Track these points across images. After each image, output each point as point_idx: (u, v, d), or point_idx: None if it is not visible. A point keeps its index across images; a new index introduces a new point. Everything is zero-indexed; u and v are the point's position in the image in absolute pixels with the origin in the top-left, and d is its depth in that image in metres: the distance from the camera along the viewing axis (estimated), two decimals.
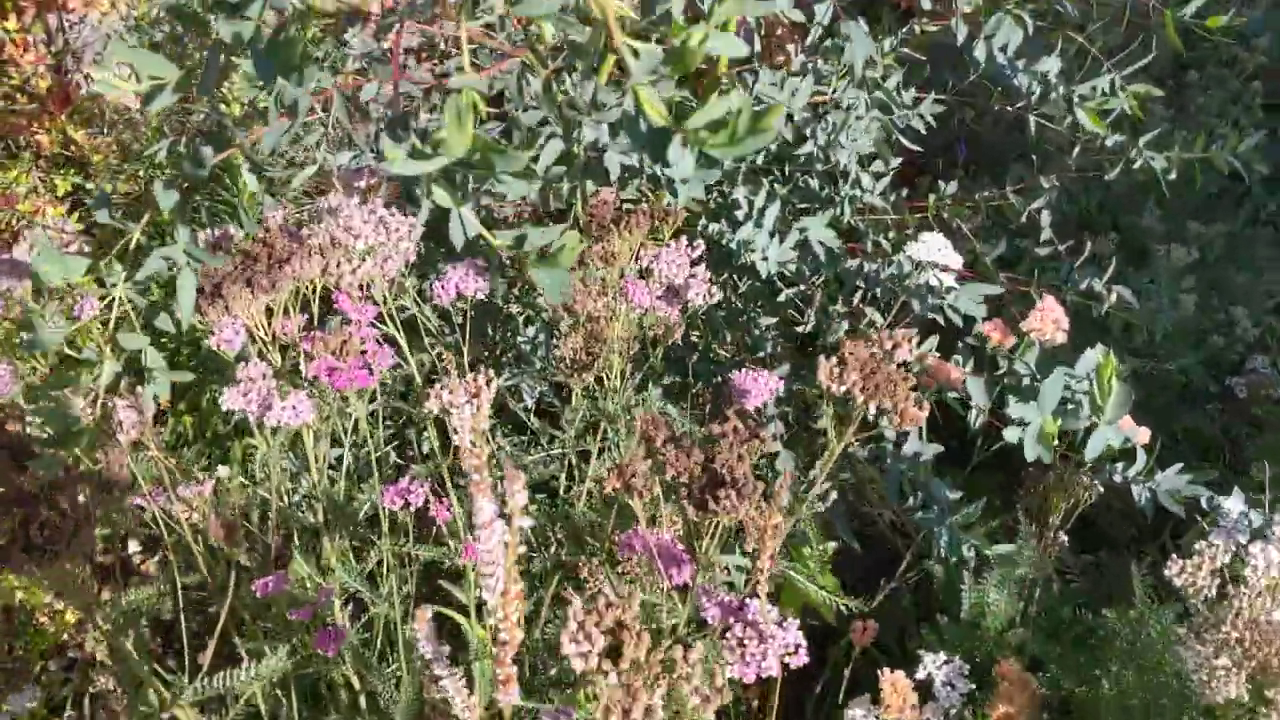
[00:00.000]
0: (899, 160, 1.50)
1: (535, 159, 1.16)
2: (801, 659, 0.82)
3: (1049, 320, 1.16)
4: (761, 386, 1.07)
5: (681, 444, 0.91)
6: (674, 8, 0.46)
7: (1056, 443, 1.13)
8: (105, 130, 1.45)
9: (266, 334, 0.92)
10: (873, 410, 0.89)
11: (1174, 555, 0.98)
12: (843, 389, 0.88)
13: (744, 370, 1.08)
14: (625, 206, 1.25)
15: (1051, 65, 1.35)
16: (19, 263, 1.08)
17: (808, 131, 1.33)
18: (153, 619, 1.51)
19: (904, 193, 1.63)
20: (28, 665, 1.52)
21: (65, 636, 1.53)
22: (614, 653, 0.71)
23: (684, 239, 1.20)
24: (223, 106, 1.34)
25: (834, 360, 0.89)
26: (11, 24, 1.46)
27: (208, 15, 0.59)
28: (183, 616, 1.04)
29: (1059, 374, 1.10)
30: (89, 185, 1.42)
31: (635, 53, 0.47)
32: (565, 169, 1.24)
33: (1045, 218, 1.60)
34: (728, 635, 0.84)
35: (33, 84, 1.46)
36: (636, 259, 1.19)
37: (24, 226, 1.31)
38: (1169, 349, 1.79)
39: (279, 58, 0.57)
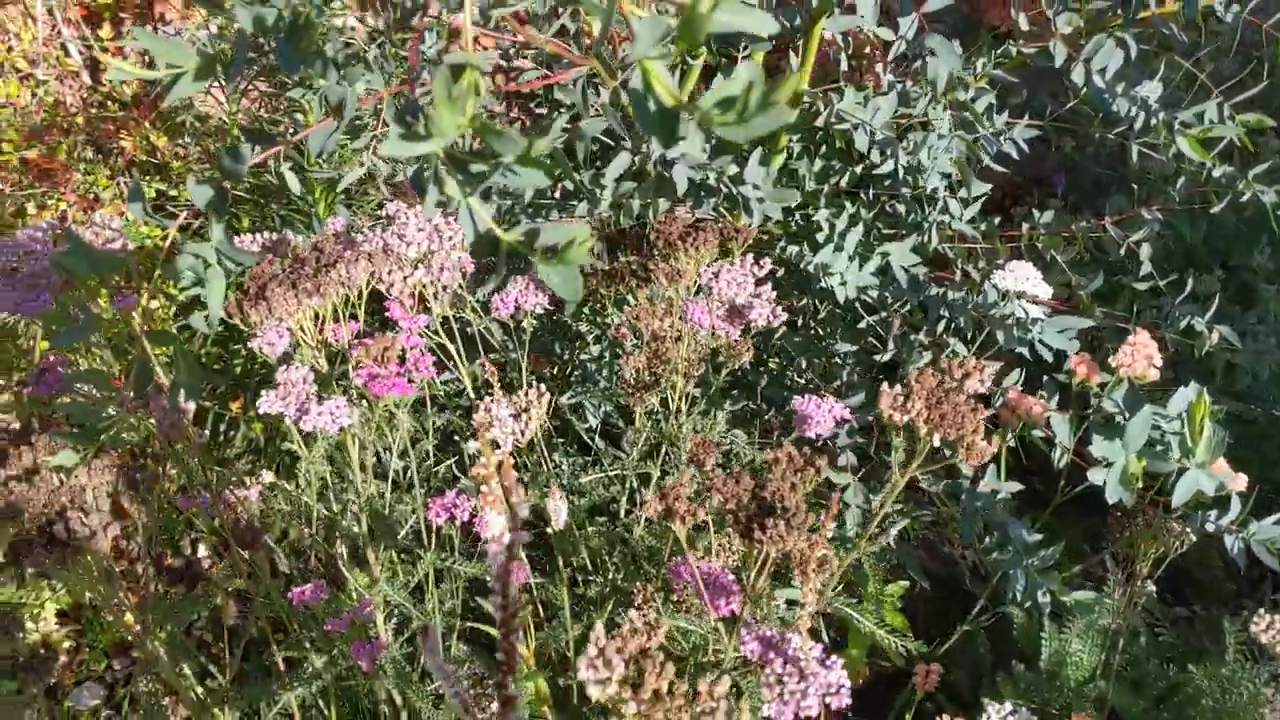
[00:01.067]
0: (987, 186, 1.43)
1: (600, 172, 1.14)
2: (844, 700, 0.76)
3: (1140, 355, 1.09)
4: (824, 413, 1.02)
5: (731, 468, 0.87)
6: None
7: (1145, 487, 1.05)
8: (190, 137, 1.48)
9: (314, 340, 0.91)
10: (937, 441, 0.83)
11: (1261, 610, 0.91)
12: (905, 418, 0.83)
13: (806, 395, 1.03)
14: (698, 224, 1.22)
15: (1152, 90, 1.27)
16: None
17: (889, 151, 1.28)
18: (214, 620, 1.52)
19: (996, 221, 1.57)
20: (92, 662, 1.54)
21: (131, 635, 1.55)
22: (639, 682, 0.67)
23: (749, 256, 1.16)
24: (299, 116, 1.35)
25: (898, 388, 0.84)
26: (105, 32, 1.51)
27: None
28: (225, 624, 1.03)
29: (1146, 412, 1.03)
30: (172, 192, 1.44)
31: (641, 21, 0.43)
32: (636, 185, 1.21)
33: (1145, 250, 1.52)
34: (766, 671, 0.79)
35: (119, 91, 1.50)
36: (699, 276, 1.15)
37: None
38: (1275, 394, 1.70)
39: (297, 44, 0.55)
